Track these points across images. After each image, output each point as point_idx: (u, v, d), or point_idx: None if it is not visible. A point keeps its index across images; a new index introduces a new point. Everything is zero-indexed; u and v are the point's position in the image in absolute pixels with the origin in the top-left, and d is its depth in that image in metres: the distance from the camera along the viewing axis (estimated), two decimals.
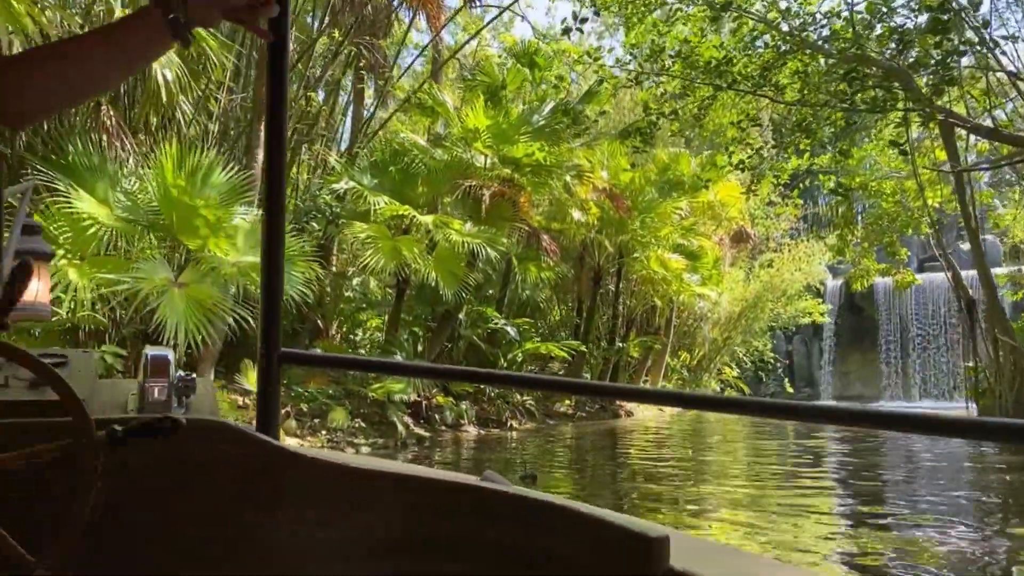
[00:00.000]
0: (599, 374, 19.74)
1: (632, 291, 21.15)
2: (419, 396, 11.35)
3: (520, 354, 14.76)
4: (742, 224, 22.16)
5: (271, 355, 1.42)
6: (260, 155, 9.72)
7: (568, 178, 14.66)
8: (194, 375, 1.72)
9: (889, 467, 10.81)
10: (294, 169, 13.00)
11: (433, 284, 11.21)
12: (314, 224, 11.03)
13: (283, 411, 9.67)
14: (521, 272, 14.83)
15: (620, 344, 19.79)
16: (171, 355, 1.66)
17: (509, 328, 13.74)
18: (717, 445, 14.14)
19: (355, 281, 12.72)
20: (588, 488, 8.30)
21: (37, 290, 2.36)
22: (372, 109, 15.16)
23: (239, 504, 1.20)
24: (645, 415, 19.39)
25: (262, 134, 10.04)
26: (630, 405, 19.38)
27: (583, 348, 16.92)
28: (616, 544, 0.90)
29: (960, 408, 20.57)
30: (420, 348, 12.82)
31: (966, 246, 26.50)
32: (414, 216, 10.66)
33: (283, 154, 1.50)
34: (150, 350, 1.66)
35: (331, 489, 1.16)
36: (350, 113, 14.76)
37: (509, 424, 13.18)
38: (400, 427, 10.40)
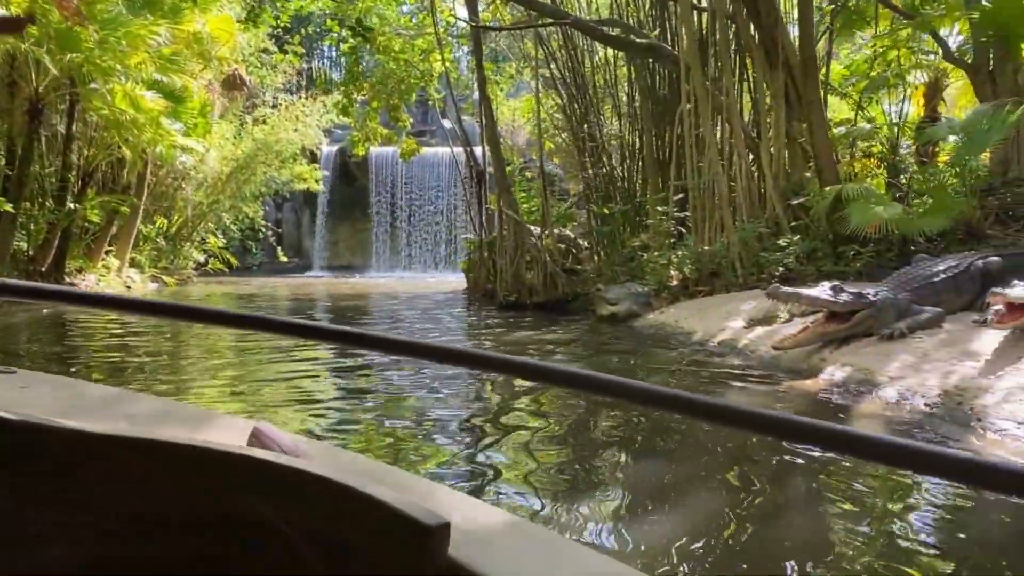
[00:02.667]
0: (42, 243, 14.97)
1: (91, 137, 16.43)
2: None
3: None
4: (236, 68, 18.82)
5: None
6: None
7: None
8: None
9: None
10: None
11: None
12: None
13: None
14: None
15: (73, 205, 15.20)
16: None
17: None
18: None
19: None
20: None
21: None
22: None
23: None
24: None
25: None
26: (94, 278, 15.23)
27: (9, 207, 12.21)
28: (390, 531, 0.81)
29: (448, 280, 21.31)
30: None
31: (447, 124, 27.65)
32: None
33: None
34: None
35: (56, 459, 0.95)
36: None
37: None
38: None
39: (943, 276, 6.34)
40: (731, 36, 11.04)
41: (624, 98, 14.01)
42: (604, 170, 13.97)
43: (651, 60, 12.38)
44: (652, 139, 12.38)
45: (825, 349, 6.23)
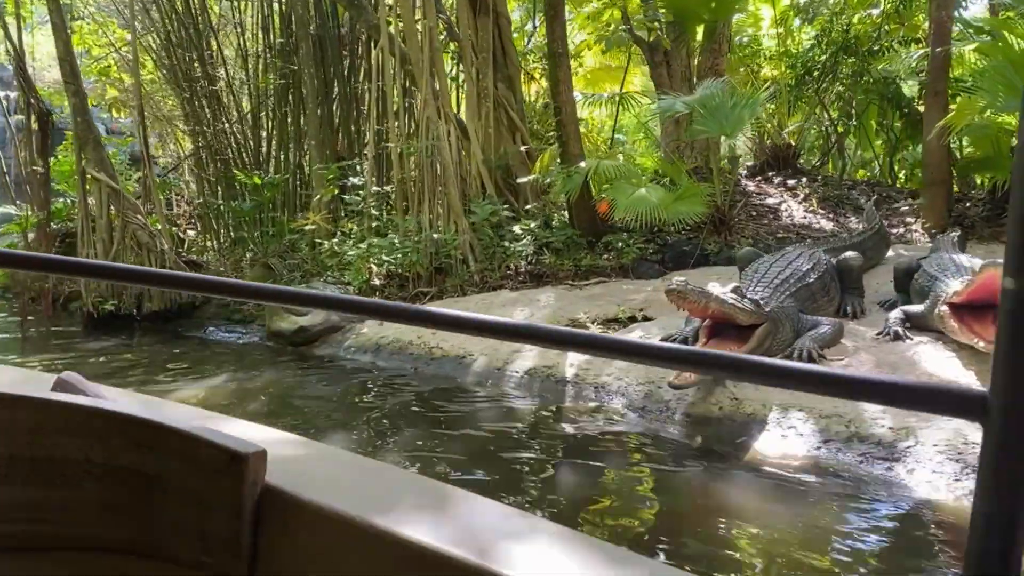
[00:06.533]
0: None
1: None
2: None
3: None
4: None
5: None
6: None
7: None
8: None
9: None
10: None
11: None
12: None
13: None
14: None
15: None
16: None
17: None
18: None
19: None
20: None
21: None
22: None
23: None
24: None
25: None
26: None
27: None
28: (206, 462, 0.83)
29: None
30: None
31: None
32: None
33: None
34: None
35: None
36: None
37: None
38: None
39: (814, 277, 5.20)
40: None
41: (260, 33, 10.58)
42: (226, 126, 10.46)
43: None
44: (315, 88, 9.37)
45: (720, 384, 4.61)
